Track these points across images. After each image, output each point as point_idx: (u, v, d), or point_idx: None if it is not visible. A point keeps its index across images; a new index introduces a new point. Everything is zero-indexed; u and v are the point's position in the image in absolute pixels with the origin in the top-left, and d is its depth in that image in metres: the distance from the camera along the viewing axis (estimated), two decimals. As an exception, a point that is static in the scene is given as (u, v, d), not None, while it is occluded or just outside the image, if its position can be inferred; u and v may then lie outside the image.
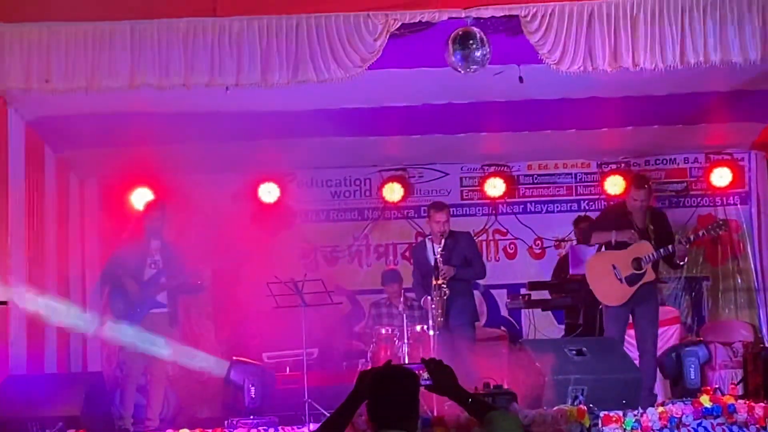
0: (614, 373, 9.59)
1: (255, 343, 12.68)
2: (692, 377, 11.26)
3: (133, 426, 10.62)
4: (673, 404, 9.24)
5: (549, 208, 14.39)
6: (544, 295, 12.99)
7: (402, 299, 11.64)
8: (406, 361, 10.50)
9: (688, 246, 10.50)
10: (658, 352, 10.99)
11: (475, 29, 8.91)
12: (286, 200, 13.83)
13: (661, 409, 9.02)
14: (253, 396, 11.10)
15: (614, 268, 10.60)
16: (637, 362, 10.37)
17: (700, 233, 10.85)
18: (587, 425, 8.72)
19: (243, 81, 8.99)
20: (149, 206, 11.30)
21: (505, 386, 9.34)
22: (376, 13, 8.91)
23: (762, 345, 12.37)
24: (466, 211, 14.23)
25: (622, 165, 14.04)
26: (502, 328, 13.69)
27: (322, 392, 10.86)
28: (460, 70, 9.07)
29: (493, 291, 13.86)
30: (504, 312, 13.94)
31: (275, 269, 11.88)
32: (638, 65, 8.94)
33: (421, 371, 5.08)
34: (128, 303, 10.61)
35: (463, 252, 10.99)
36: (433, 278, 10.61)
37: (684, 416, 8.91)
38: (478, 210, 14.36)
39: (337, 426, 4.94)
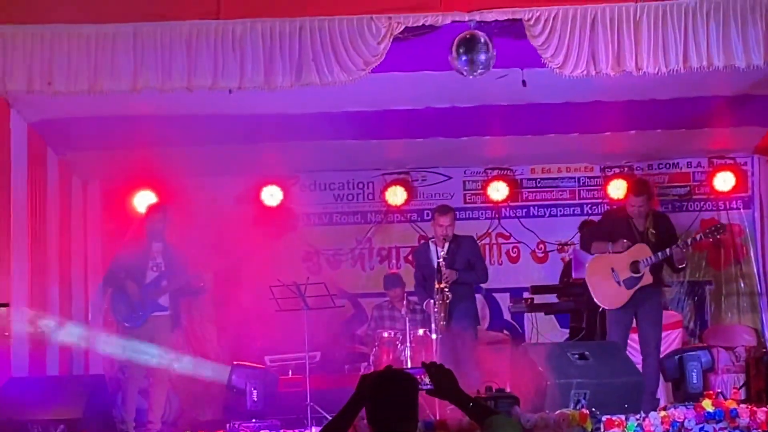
0: (616, 377, 9.58)
1: (257, 346, 12.68)
2: (694, 381, 11.25)
3: (134, 429, 10.63)
4: (675, 408, 9.24)
5: (552, 212, 14.38)
6: (547, 298, 12.99)
7: (405, 303, 11.64)
8: (409, 365, 10.50)
9: (685, 249, 10.49)
10: (661, 356, 10.98)
11: (480, 33, 8.91)
12: (289, 203, 13.83)
13: (663, 413, 9.02)
14: (255, 399, 11.09)
15: (613, 271, 10.60)
16: (640, 366, 10.37)
17: (698, 237, 10.84)
18: (589, 429, 8.72)
19: (246, 84, 8.99)
20: (151, 209, 11.30)
21: (508, 390, 9.34)
22: (380, 16, 8.91)
23: (764, 349, 12.38)
24: (469, 214, 14.22)
25: (625, 169, 14.04)
26: (505, 331, 13.69)
27: (324, 395, 10.85)
28: (464, 73, 9.07)
29: (495, 294, 13.86)
30: (507, 315, 13.93)
31: (278, 272, 11.88)
32: (641, 69, 8.94)
33: (422, 375, 5.06)
34: (130, 306, 10.61)
35: (466, 256, 11.00)
36: (436, 282, 10.61)
37: (686, 420, 8.91)
38: (481, 213, 14.35)
39: (339, 429, 4.93)
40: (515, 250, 14.40)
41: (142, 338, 10.65)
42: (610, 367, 9.70)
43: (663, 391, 11.28)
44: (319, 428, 5.50)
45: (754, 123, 12.53)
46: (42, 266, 10.92)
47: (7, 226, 9.88)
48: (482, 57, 8.94)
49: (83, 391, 9.55)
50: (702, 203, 14.23)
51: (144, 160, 12.15)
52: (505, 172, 14.25)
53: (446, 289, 10.57)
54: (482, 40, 8.92)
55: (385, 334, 11.37)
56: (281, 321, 11.68)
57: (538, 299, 13.07)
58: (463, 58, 8.96)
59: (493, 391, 9.07)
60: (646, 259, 10.43)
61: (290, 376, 11.91)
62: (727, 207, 14.17)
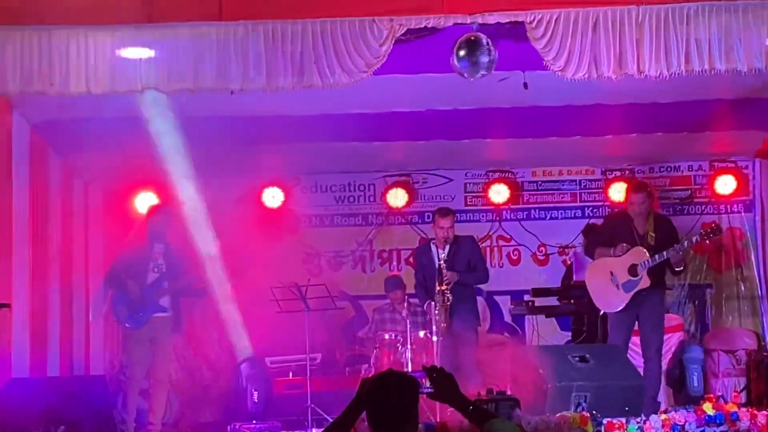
0: (617, 380, 9.59)
1: (258, 347, 12.68)
2: (695, 384, 11.26)
3: (135, 430, 10.63)
4: (675, 411, 9.23)
5: (553, 215, 14.39)
6: (548, 301, 13.00)
7: (405, 305, 11.65)
8: (410, 367, 10.52)
9: (681, 252, 10.49)
10: (663, 360, 10.99)
11: (482, 35, 8.90)
12: (290, 205, 13.83)
13: (663, 416, 9.02)
14: (256, 400, 11.11)
15: (612, 275, 10.63)
16: (641, 369, 10.37)
17: (694, 239, 10.84)
18: (590, 432, 8.73)
19: (248, 85, 8.98)
20: (153, 210, 11.31)
21: (508, 392, 9.33)
22: (382, 18, 8.89)
23: (765, 353, 12.38)
24: (470, 217, 14.23)
25: (627, 172, 14.05)
26: (506, 334, 13.70)
27: (324, 397, 10.87)
28: (466, 76, 9.07)
29: (496, 297, 13.87)
30: (507, 318, 13.94)
31: (279, 274, 11.90)
32: (643, 72, 8.92)
33: (422, 379, 5.06)
34: (131, 307, 10.61)
35: (467, 256, 11.02)
36: (437, 284, 10.62)
37: (687, 424, 8.91)
38: (482, 216, 14.36)
39: (340, 432, 4.94)
40: (516, 252, 14.40)
41: (143, 339, 10.66)
42: (611, 370, 9.71)
43: (664, 394, 11.29)
44: (320, 430, 5.52)
45: (756, 127, 12.53)
46: (43, 267, 10.92)
47: (8, 226, 9.88)
48: (484, 59, 8.93)
49: (84, 392, 9.56)
50: (703, 207, 14.24)
51: (146, 162, 12.15)
52: (506, 174, 14.27)
53: (447, 291, 10.58)
54: (484, 42, 8.91)
55: (386, 336, 11.38)
56: (282, 323, 11.69)
57: (539, 302, 13.08)
58: (465, 60, 8.95)
59: (494, 393, 9.07)
60: (644, 263, 10.45)
61: (291, 377, 11.93)
62: (729, 210, 14.18)
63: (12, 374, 9.78)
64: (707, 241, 10.95)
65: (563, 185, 14.42)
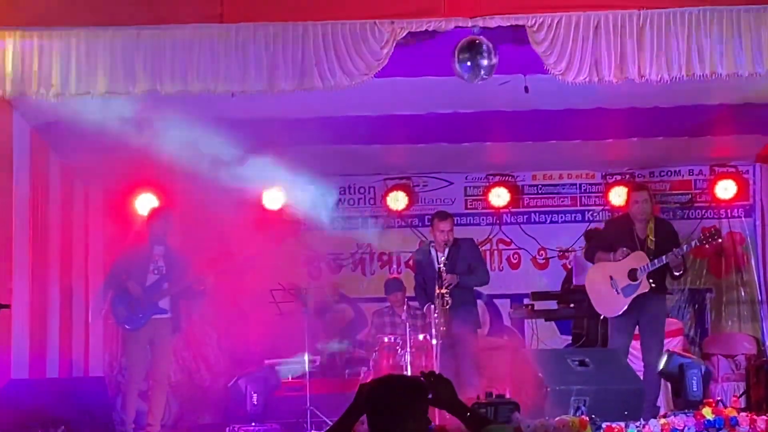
0: (617, 384, 9.59)
1: (257, 349, 12.68)
2: (694, 389, 11.24)
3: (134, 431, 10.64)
4: (675, 416, 9.24)
5: (553, 219, 14.39)
6: (548, 305, 12.99)
7: (405, 308, 11.64)
8: (409, 370, 10.51)
9: (679, 257, 10.48)
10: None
11: (483, 39, 8.90)
12: (291, 207, 13.81)
13: (663, 420, 9.02)
14: (255, 403, 11.10)
15: (611, 279, 10.63)
16: (641, 374, 10.37)
17: (693, 243, 10.84)
18: (589, 436, 8.73)
19: (249, 88, 8.98)
20: (154, 212, 11.31)
21: (508, 396, 9.33)
22: (383, 21, 8.90)
23: (765, 358, 12.38)
24: (470, 220, 14.24)
25: (627, 176, 14.04)
26: (505, 337, 13.69)
27: (323, 400, 10.88)
28: (467, 79, 9.07)
29: (496, 300, 13.87)
30: (507, 321, 13.93)
31: (279, 276, 11.90)
32: (644, 77, 8.92)
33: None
34: (131, 308, 10.62)
35: (467, 258, 11.02)
36: (437, 287, 10.61)
37: (686, 428, 8.92)
38: (482, 219, 14.37)
39: (337, 437, 4.93)
40: (516, 256, 14.41)
41: (142, 340, 10.67)
42: (611, 374, 9.70)
43: (663, 399, 11.28)
44: (319, 433, 5.51)
45: (756, 131, 12.53)
46: (43, 268, 10.91)
47: (8, 228, 9.88)
48: (485, 63, 8.93)
49: (83, 394, 9.55)
50: (703, 211, 14.24)
51: (146, 164, 12.15)
52: (507, 178, 14.27)
53: (446, 295, 10.57)
54: (485, 46, 8.91)
55: (386, 339, 11.36)
56: (282, 325, 11.69)
57: (539, 305, 13.07)
58: (466, 63, 8.95)
59: (493, 396, 9.06)
60: (644, 267, 10.45)
61: (290, 379, 11.92)
62: (729, 215, 14.18)
63: (11, 375, 9.76)
64: (707, 246, 10.94)
65: (563, 189, 14.42)
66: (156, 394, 10.82)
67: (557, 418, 8.82)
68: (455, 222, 11.36)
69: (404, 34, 8.92)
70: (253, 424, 10.87)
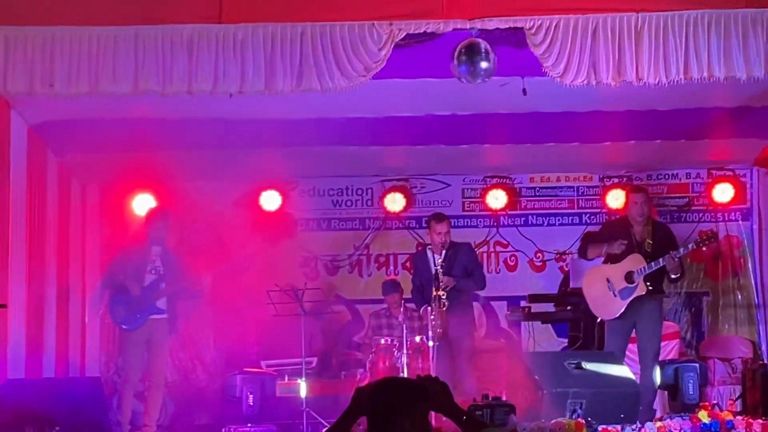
0: (613, 387, 9.59)
1: (254, 350, 12.68)
2: (691, 392, 11.26)
3: (130, 432, 10.64)
4: (671, 419, 9.25)
5: (551, 221, 14.38)
6: (545, 307, 12.99)
7: (402, 309, 11.64)
8: (405, 372, 10.51)
9: (675, 259, 10.48)
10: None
11: (481, 41, 8.90)
12: (288, 208, 13.82)
13: (659, 423, 9.03)
14: (251, 404, 11.10)
15: (608, 281, 10.63)
16: (638, 377, 10.38)
17: (690, 246, 10.84)
18: (585, 438, 8.73)
19: (247, 88, 8.98)
20: (153, 213, 11.30)
21: (504, 398, 9.33)
22: (381, 22, 8.90)
23: (761, 361, 12.38)
24: (467, 222, 14.23)
25: (625, 179, 14.03)
26: (502, 340, 13.69)
27: (320, 401, 10.88)
28: (465, 81, 9.07)
29: (493, 303, 13.86)
30: (504, 324, 13.92)
31: (275, 277, 11.89)
32: (642, 79, 8.93)
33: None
34: (128, 308, 10.62)
35: (464, 262, 11.02)
36: (434, 289, 10.61)
37: (682, 431, 8.91)
38: (480, 222, 14.35)
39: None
40: (513, 258, 14.39)
41: (139, 341, 10.66)
42: (607, 377, 9.71)
43: (659, 402, 11.29)
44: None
45: (754, 135, 12.53)
46: (40, 268, 10.91)
47: (5, 227, 9.87)
48: (483, 65, 8.93)
49: (79, 394, 9.54)
50: (701, 214, 14.23)
51: (144, 164, 12.16)
52: (504, 180, 14.25)
53: (443, 297, 10.57)
54: (483, 48, 8.91)
55: (382, 341, 11.36)
56: (278, 326, 11.69)
57: (536, 308, 13.08)
58: (464, 65, 8.95)
59: (490, 399, 9.07)
60: (640, 270, 10.46)
61: (286, 381, 11.92)
62: (726, 218, 14.17)
63: (8, 375, 9.76)
64: (703, 249, 10.94)
65: (561, 192, 14.41)
66: (152, 394, 10.82)
67: (553, 421, 8.83)
68: (452, 224, 11.37)
69: (402, 36, 8.92)
70: (249, 425, 10.87)
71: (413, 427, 4.73)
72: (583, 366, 9.76)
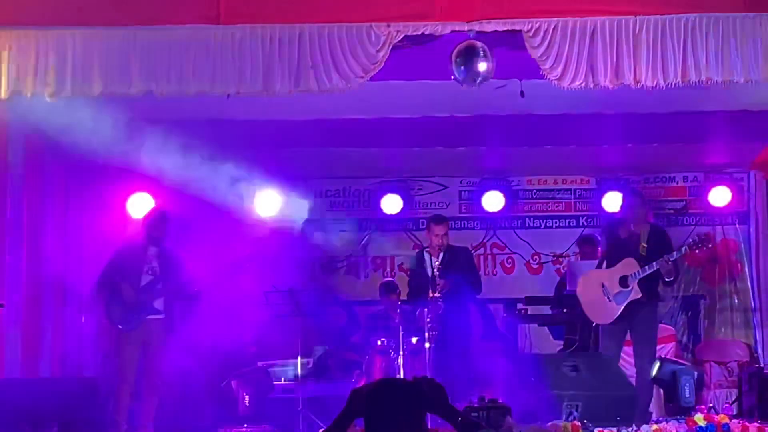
0: (609, 390, 9.59)
1: (250, 351, 12.68)
2: (687, 395, 11.25)
3: (126, 432, 10.63)
4: (667, 422, 9.24)
5: (547, 224, 14.40)
6: (541, 310, 13.00)
7: (398, 311, 11.65)
8: (401, 373, 10.51)
9: (671, 263, 10.48)
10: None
11: (480, 43, 8.91)
12: (285, 209, 13.80)
13: (655, 426, 9.03)
14: (248, 404, 11.09)
15: (603, 286, 10.63)
16: (633, 379, 10.38)
17: (683, 249, 10.83)
18: (581, 441, 8.73)
19: (244, 89, 8.97)
20: (152, 213, 11.29)
21: (500, 400, 9.33)
22: (379, 24, 8.89)
23: (757, 365, 12.39)
24: (464, 224, 14.25)
25: (622, 182, 14.04)
26: (498, 342, 13.68)
27: (316, 402, 10.87)
28: (463, 83, 9.07)
29: (489, 305, 13.85)
30: (500, 326, 13.92)
31: (272, 278, 11.89)
32: (640, 82, 8.93)
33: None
34: (125, 309, 10.61)
35: (461, 266, 11.01)
36: (430, 291, 10.62)
37: (678, 434, 8.92)
38: (477, 224, 14.37)
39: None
40: (510, 260, 14.41)
41: (136, 341, 10.66)
42: (603, 379, 9.71)
43: (655, 405, 11.29)
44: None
45: (751, 138, 12.55)
46: (37, 267, 10.91)
47: (2, 226, 9.87)
48: (481, 67, 8.93)
49: (76, 394, 9.53)
50: (697, 218, 14.26)
51: (141, 164, 12.15)
52: (502, 182, 14.26)
53: (440, 299, 10.58)
54: (481, 50, 8.91)
55: (378, 343, 11.36)
56: (275, 327, 11.69)
57: (532, 310, 13.08)
58: (462, 67, 8.95)
59: (486, 401, 9.07)
60: (634, 274, 10.45)
61: (283, 382, 11.92)
62: (723, 222, 14.20)
63: (4, 374, 9.76)
64: (697, 251, 10.93)
65: (558, 194, 14.43)
66: (148, 394, 10.81)
67: (550, 423, 8.83)
68: (450, 226, 11.36)
69: (400, 38, 8.92)
70: (245, 426, 10.87)
71: (409, 429, 4.74)
72: (580, 368, 9.76)
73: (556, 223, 14.42)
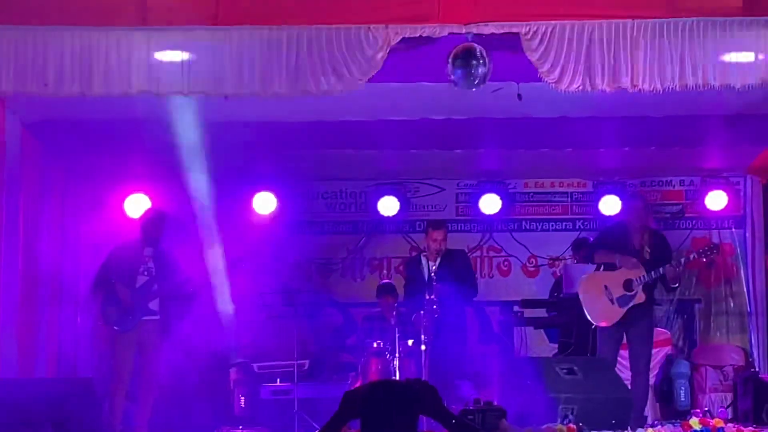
0: (604, 393, 9.59)
1: (246, 353, 12.67)
2: (682, 399, 11.27)
3: (121, 432, 10.63)
4: (662, 426, 9.25)
5: (544, 227, 14.40)
6: (537, 313, 12.99)
7: (395, 313, 11.65)
8: (397, 376, 10.51)
9: (679, 269, 10.48)
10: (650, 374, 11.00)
11: (477, 46, 8.91)
12: (282, 211, 13.80)
13: (650, 430, 9.05)
14: (243, 406, 11.09)
15: (606, 289, 10.61)
16: (629, 383, 10.38)
17: (692, 256, 10.84)
18: (577, 444, 8.73)
19: (242, 91, 8.98)
20: (149, 214, 11.28)
21: (495, 403, 9.33)
22: (377, 26, 8.90)
23: (752, 369, 12.40)
24: (461, 227, 14.23)
25: (619, 185, 14.04)
26: (494, 344, 13.68)
27: (312, 404, 10.87)
28: (460, 86, 9.07)
29: (485, 308, 13.85)
30: (496, 329, 13.92)
31: (269, 279, 11.88)
32: (637, 86, 8.94)
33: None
34: (120, 309, 10.60)
35: (458, 270, 11.01)
36: (426, 294, 10.61)
37: (673, 438, 8.93)
38: (473, 226, 14.36)
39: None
40: (506, 263, 14.41)
41: (131, 342, 10.65)
42: (599, 383, 9.71)
43: (650, 408, 11.29)
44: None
45: (748, 143, 12.55)
46: (33, 268, 10.90)
47: (-1, 227, 9.88)
48: (479, 70, 8.93)
49: (71, 394, 9.52)
50: (694, 222, 14.26)
51: (139, 164, 12.15)
52: (498, 185, 14.25)
53: (436, 301, 10.57)
54: (479, 52, 8.91)
55: (374, 345, 11.36)
56: (271, 328, 11.68)
57: (528, 313, 13.07)
58: (460, 70, 8.95)
59: (481, 403, 9.06)
60: (640, 278, 10.43)
61: (278, 383, 11.92)
62: (719, 226, 14.19)
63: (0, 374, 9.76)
64: (704, 259, 10.93)
65: (555, 197, 14.43)
66: (144, 396, 10.80)
67: (545, 426, 8.82)
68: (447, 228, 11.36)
69: (398, 40, 8.93)
70: (241, 427, 10.86)
71: (404, 431, 4.74)
72: (575, 371, 9.76)
73: (552, 226, 14.41)
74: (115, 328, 10.68)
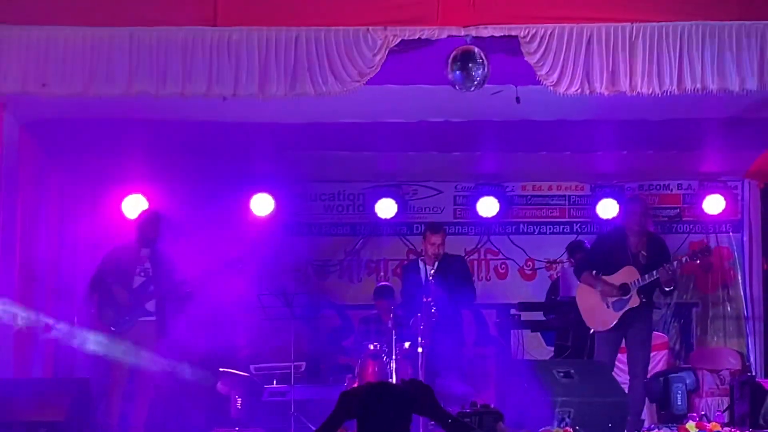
0: (601, 397, 9.59)
1: (243, 354, 12.66)
2: (679, 403, 11.26)
3: (117, 434, 10.61)
4: (659, 430, 9.25)
5: (542, 230, 14.40)
6: (534, 316, 12.99)
7: (391, 316, 11.64)
8: (394, 378, 10.50)
9: (670, 272, 10.47)
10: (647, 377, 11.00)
11: (476, 48, 8.91)
12: (279, 213, 13.80)
13: (647, 434, 9.04)
14: (240, 407, 11.08)
15: (602, 293, 10.62)
16: (626, 386, 10.38)
17: (684, 259, 10.84)
18: (573, 448, 8.74)
19: (240, 92, 8.97)
20: (146, 215, 11.27)
21: (492, 406, 9.32)
22: (376, 28, 8.89)
23: (749, 373, 12.40)
24: (458, 229, 14.23)
25: (616, 189, 14.04)
26: (491, 347, 13.68)
27: (308, 406, 10.86)
28: (459, 88, 9.07)
29: (482, 310, 13.85)
30: (493, 331, 13.92)
31: (266, 281, 11.87)
32: (635, 90, 8.94)
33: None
34: (117, 310, 10.59)
35: (455, 276, 10.99)
36: (423, 296, 10.61)
37: (670, 442, 8.93)
38: (471, 229, 14.36)
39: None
40: (504, 266, 14.41)
41: (128, 343, 10.64)
42: (595, 386, 9.71)
43: (647, 412, 11.29)
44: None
45: (746, 147, 12.56)
46: (31, 268, 10.90)
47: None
48: (477, 72, 8.93)
49: (67, 394, 9.52)
50: (691, 226, 14.26)
51: (137, 165, 12.15)
52: (496, 188, 14.25)
53: (433, 304, 10.56)
54: (478, 55, 8.92)
55: (371, 347, 11.35)
56: (268, 330, 11.67)
57: (525, 316, 13.08)
58: (458, 72, 8.95)
59: (478, 406, 9.06)
60: (635, 282, 10.43)
61: (275, 385, 11.91)
62: (717, 230, 14.19)
63: (-4, 374, 9.76)
64: (697, 261, 10.92)
65: (552, 200, 14.43)
66: (140, 396, 10.79)
67: (542, 429, 8.83)
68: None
69: (397, 42, 8.92)
70: (237, 428, 10.85)
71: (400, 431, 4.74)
72: (572, 375, 9.75)
73: (550, 229, 14.41)
74: (112, 329, 10.67)
